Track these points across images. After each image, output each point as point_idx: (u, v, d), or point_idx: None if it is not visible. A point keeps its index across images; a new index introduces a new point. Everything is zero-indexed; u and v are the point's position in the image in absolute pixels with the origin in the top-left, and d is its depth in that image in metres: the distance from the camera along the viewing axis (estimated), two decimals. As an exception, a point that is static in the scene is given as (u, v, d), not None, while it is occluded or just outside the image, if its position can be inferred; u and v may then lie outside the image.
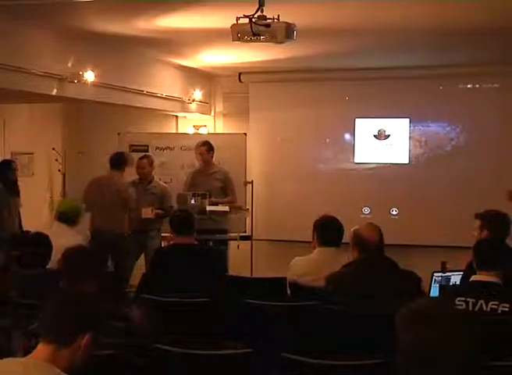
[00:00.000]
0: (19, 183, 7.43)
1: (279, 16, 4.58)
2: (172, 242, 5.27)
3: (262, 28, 4.55)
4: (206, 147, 7.49)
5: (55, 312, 2.34)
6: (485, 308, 3.48)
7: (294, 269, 4.66)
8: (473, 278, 3.72)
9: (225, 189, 7.53)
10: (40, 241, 4.50)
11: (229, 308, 4.20)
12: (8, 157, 8.29)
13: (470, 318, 3.28)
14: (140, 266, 6.94)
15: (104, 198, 6.86)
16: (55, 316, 2.33)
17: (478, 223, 4.67)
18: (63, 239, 4.61)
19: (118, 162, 7.03)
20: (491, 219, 4.67)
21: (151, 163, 7.44)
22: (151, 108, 8.32)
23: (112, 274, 4.32)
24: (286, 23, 4.62)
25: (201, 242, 6.93)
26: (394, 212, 8.62)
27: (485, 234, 4.52)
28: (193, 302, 4.19)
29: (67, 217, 5.35)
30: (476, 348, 1.86)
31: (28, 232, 6.09)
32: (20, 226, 7.32)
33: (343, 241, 4.62)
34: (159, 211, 7.16)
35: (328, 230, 4.65)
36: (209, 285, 4.47)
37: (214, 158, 7.67)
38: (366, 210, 8.64)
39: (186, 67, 8.57)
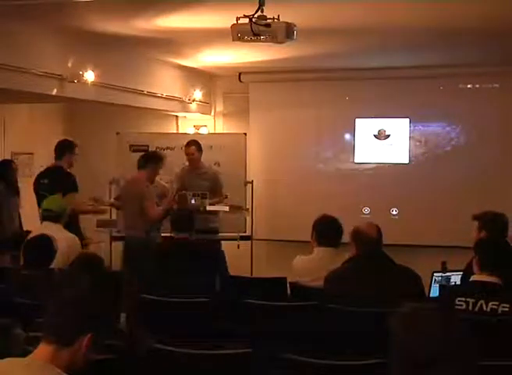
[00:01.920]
0: (19, 183, 7.42)
1: (279, 15, 4.58)
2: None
3: (262, 28, 4.55)
4: (195, 147, 7.37)
5: (57, 312, 2.34)
6: (485, 308, 3.48)
7: (296, 269, 4.67)
8: (473, 278, 3.72)
9: (214, 190, 7.38)
10: (45, 242, 4.50)
11: (229, 307, 4.20)
12: (8, 157, 8.28)
13: (466, 319, 3.29)
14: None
15: (129, 205, 6.79)
16: (56, 316, 2.33)
17: (476, 224, 4.68)
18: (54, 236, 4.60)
19: (141, 160, 6.90)
20: (489, 221, 4.68)
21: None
22: (151, 108, 8.32)
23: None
24: (286, 23, 4.62)
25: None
26: (394, 212, 8.62)
27: (484, 235, 4.53)
28: (192, 302, 4.19)
29: (51, 215, 5.34)
30: (474, 349, 1.86)
31: (28, 232, 6.08)
32: (20, 227, 7.32)
33: (343, 240, 4.63)
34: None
35: (326, 230, 4.67)
36: (208, 281, 4.47)
37: (214, 158, 7.65)
38: (366, 210, 8.64)
39: (186, 67, 8.57)
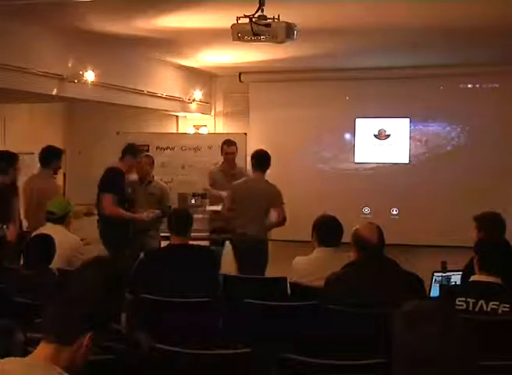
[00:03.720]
0: (20, 183, 7.41)
1: (279, 15, 4.59)
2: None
3: (262, 28, 4.55)
4: (235, 147, 7.34)
5: (57, 311, 2.34)
6: (485, 308, 3.48)
7: (296, 270, 4.66)
8: (473, 278, 3.72)
9: None
10: (45, 242, 4.50)
11: (227, 308, 4.19)
12: (8, 157, 8.27)
13: (469, 319, 3.29)
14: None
15: (251, 201, 6.52)
16: (56, 315, 2.33)
17: (475, 224, 4.69)
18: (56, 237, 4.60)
19: (264, 162, 6.60)
20: (485, 221, 4.69)
21: (151, 163, 7.39)
22: (151, 108, 8.32)
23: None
24: (287, 22, 4.62)
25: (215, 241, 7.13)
26: (394, 212, 8.63)
27: (481, 236, 4.52)
28: (193, 302, 4.19)
29: (55, 216, 5.35)
30: (475, 348, 1.86)
31: (28, 232, 6.08)
32: (20, 227, 7.30)
33: (343, 240, 4.62)
34: (155, 211, 7.04)
35: (326, 230, 4.65)
36: (203, 285, 4.44)
37: (214, 158, 7.64)
38: (366, 210, 8.65)
39: (186, 67, 8.57)
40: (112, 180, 6.47)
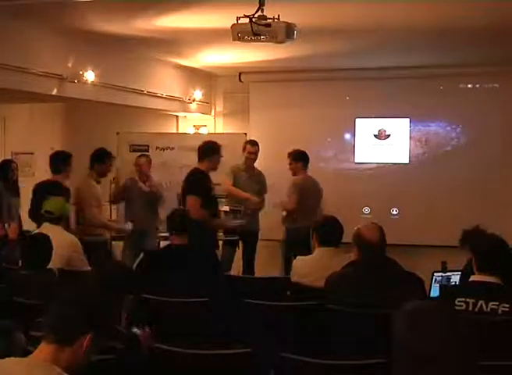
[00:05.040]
0: (19, 183, 7.42)
1: (279, 15, 4.59)
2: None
3: (262, 28, 4.55)
4: (258, 147, 7.38)
5: (57, 311, 2.34)
6: (485, 308, 3.48)
7: (296, 270, 4.66)
8: (473, 278, 3.71)
9: (260, 193, 7.41)
10: (42, 242, 4.50)
11: (228, 308, 4.20)
12: (8, 157, 8.28)
13: (470, 319, 3.29)
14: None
15: (310, 199, 7.04)
16: (56, 315, 2.33)
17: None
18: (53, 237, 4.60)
19: (307, 159, 7.27)
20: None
21: (149, 163, 7.40)
22: (151, 108, 8.32)
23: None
24: (286, 22, 4.62)
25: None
26: (394, 212, 8.63)
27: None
28: (192, 302, 4.19)
29: (51, 216, 5.35)
30: (475, 348, 1.86)
31: (28, 232, 6.09)
32: (19, 227, 7.30)
33: (343, 240, 4.62)
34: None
35: (326, 230, 4.65)
36: (203, 285, 4.44)
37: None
38: (366, 210, 8.65)
39: (186, 67, 8.57)
40: (197, 183, 6.28)
